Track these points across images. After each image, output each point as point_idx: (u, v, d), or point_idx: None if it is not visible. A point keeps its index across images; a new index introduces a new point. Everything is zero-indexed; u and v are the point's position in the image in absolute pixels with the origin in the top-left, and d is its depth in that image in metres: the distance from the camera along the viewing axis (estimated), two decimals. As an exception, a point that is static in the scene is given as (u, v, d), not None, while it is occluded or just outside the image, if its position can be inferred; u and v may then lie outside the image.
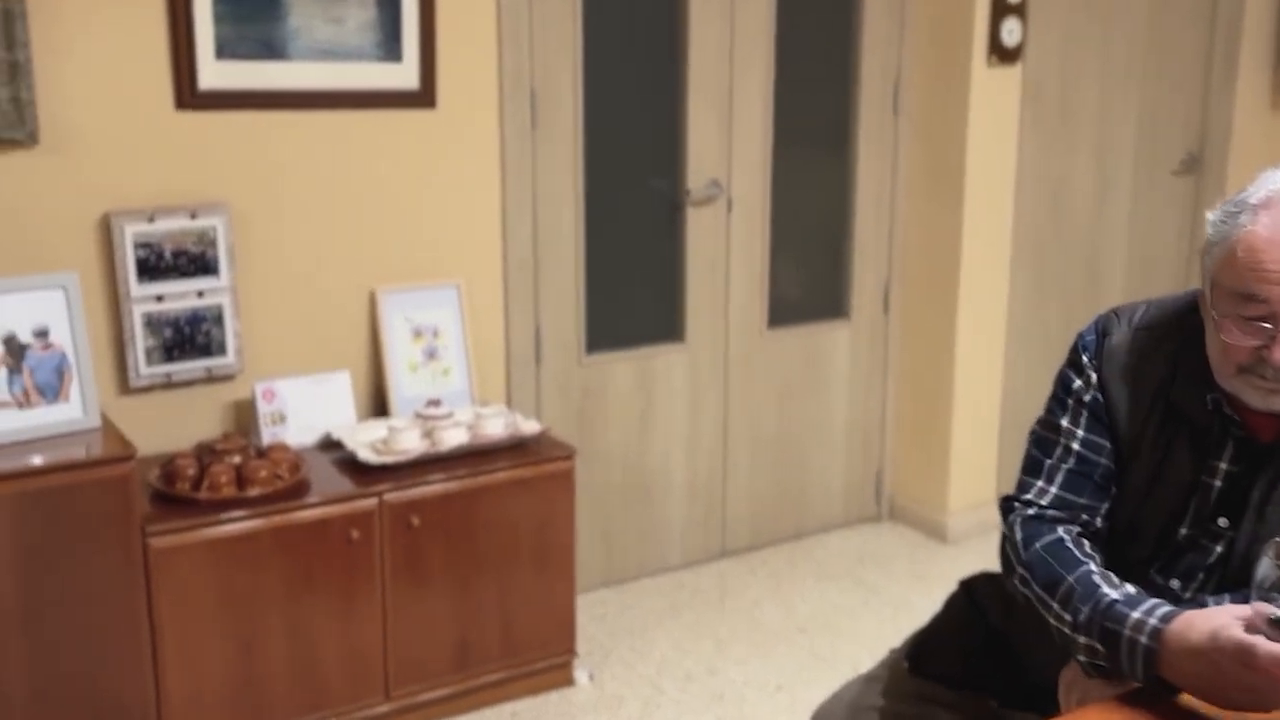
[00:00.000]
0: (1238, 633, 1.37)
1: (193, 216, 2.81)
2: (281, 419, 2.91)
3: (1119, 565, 1.64)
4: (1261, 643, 1.34)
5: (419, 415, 2.94)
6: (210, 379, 2.91)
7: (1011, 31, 3.73)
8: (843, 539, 4.02)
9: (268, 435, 2.88)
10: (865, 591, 3.63)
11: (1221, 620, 1.40)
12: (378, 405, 3.15)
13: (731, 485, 3.84)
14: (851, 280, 3.97)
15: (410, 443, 2.82)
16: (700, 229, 3.62)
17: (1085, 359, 1.72)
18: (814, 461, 4.01)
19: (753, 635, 3.35)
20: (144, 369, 2.80)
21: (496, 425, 2.93)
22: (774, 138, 3.70)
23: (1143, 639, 1.46)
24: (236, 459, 2.65)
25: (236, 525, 2.54)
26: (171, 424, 2.89)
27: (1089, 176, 4.12)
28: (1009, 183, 3.90)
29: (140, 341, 2.79)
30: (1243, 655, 1.35)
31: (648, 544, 3.71)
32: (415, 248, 3.14)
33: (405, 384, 3.11)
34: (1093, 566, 1.59)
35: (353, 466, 2.79)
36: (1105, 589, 1.54)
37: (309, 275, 3.01)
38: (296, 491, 2.65)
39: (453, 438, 2.85)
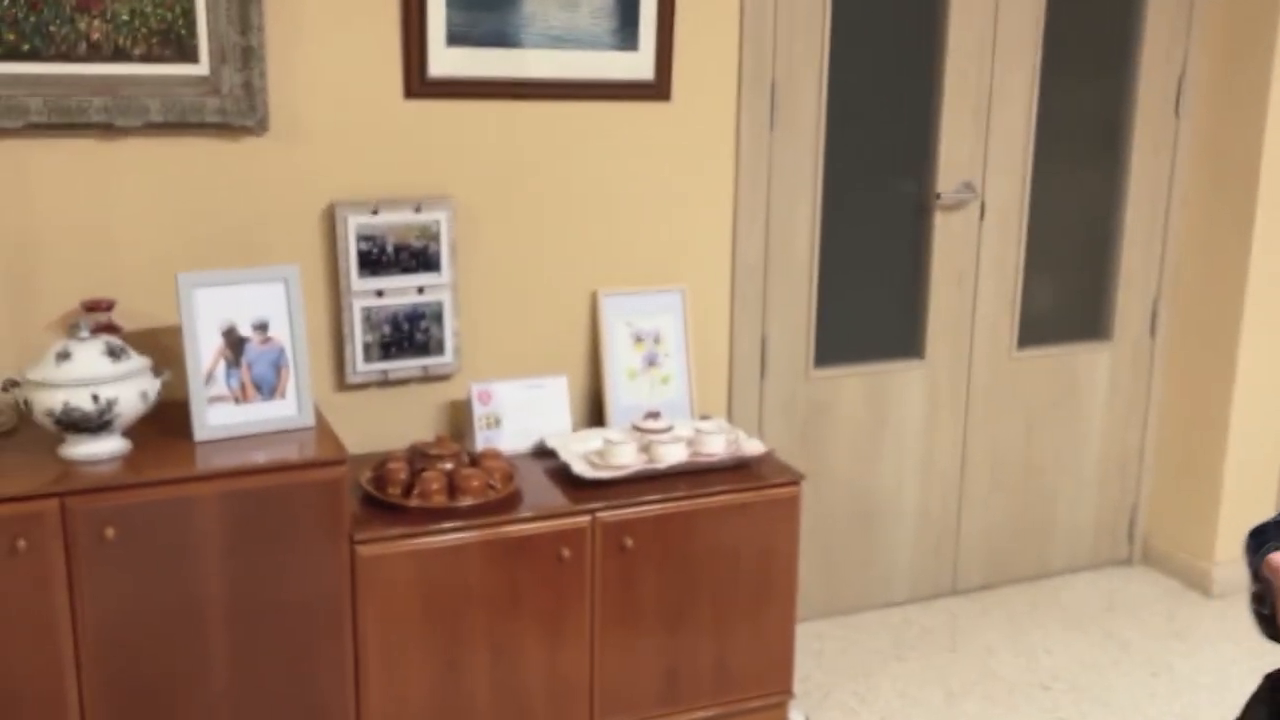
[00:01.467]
0: None
1: (416, 210, 2.71)
2: (496, 422, 2.79)
3: None
4: None
5: (636, 428, 2.77)
6: (426, 378, 2.81)
7: (1323, 21, 3.26)
8: (1089, 583, 3.63)
9: (481, 439, 2.76)
10: (1117, 648, 3.25)
11: None
12: (593, 413, 3.00)
13: (967, 517, 3.52)
14: (1115, 298, 3.58)
15: (627, 457, 2.64)
16: (949, 236, 3.31)
17: None
18: (1060, 495, 3.64)
19: (988, 687, 3.04)
20: (361, 365, 2.72)
21: (718, 443, 2.72)
22: (1036, 138, 3.35)
23: None
24: (449, 465, 2.53)
25: (446, 536, 2.42)
26: (385, 422, 2.81)
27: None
28: (1309, 194, 3.43)
29: (359, 337, 2.71)
30: None
31: (871, 574, 3.44)
32: (640, 248, 2.97)
33: (623, 391, 2.94)
34: None
35: (566, 479, 2.63)
36: None
37: (530, 274, 2.87)
38: (509, 504, 2.51)
39: (672, 454, 2.66)
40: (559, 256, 2.89)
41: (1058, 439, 3.59)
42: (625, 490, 2.59)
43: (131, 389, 2.23)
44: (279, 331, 2.44)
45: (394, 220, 2.69)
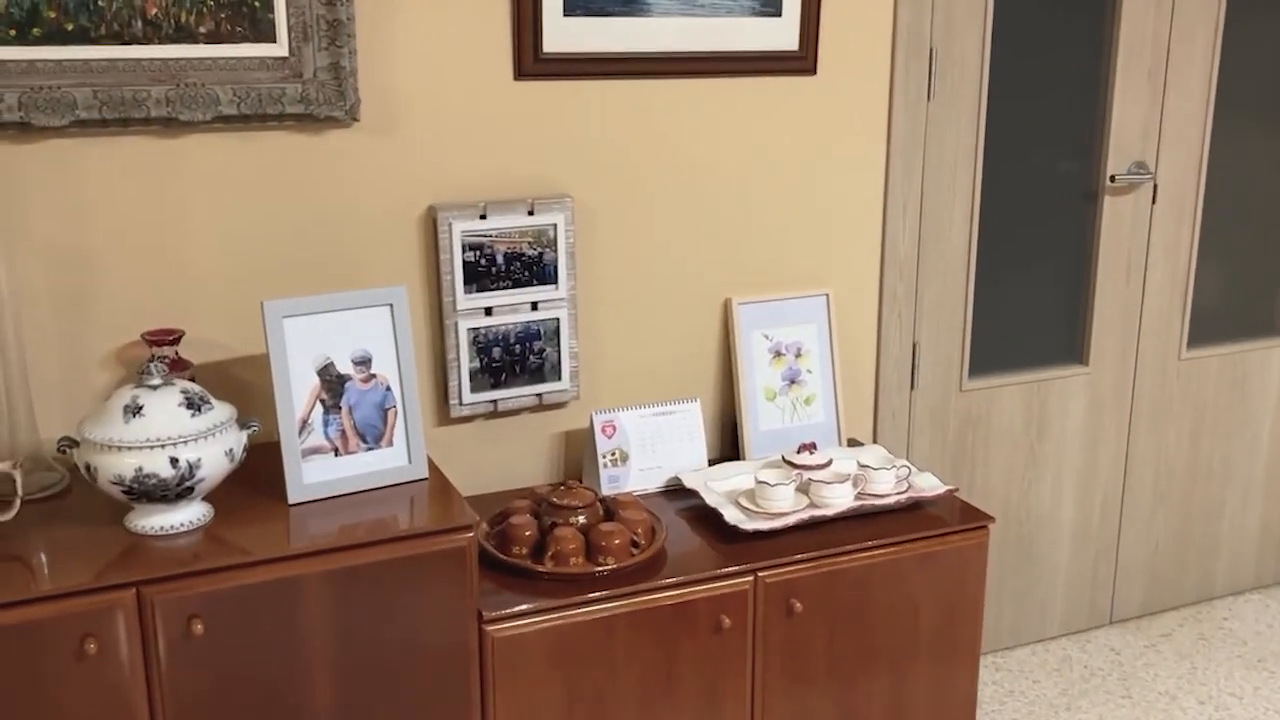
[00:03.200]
0: None
1: (530, 212, 2.30)
2: (623, 458, 2.39)
3: None
4: None
5: (790, 463, 2.37)
6: (541, 407, 2.41)
7: None
8: (1257, 608, 3.25)
9: (606, 479, 2.37)
10: (1312, 689, 2.88)
11: None
12: (726, 441, 2.59)
13: (1127, 535, 3.12)
14: (1293, 288, 3.17)
15: (785, 501, 2.25)
16: (1117, 223, 2.89)
17: None
18: (1226, 509, 3.24)
19: (1178, 744, 2.67)
20: (468, 396, 2.32)
21: (886, 481, 2.32)
22: (1215, 109, 2.92)
23: None
24: (582, 518, 2.13)
25: (589, 609, 2.03)
26: (494, 459, 2.41)
27: None
28: None
29: (465, 362, 2.30)
30: None
31: (1025, 605, 3.05)
32: (779, 248, 2.55)
33: (761, 415, 2.54)
34: None
35: (715, 528, 2.23)
36: None
37: (656, 282, 2.46)
38: (656, 565, 2.12)
39: (838, 498, 2.26)
40: (689, 261, 2.48)
41: (1228, 448, 3.18)
42: (788, 543, 2.19)
43: (216, 448, 1.82)
44: (384, 367, 2.03)
45: (504, 225, 2.28)
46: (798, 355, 2.57)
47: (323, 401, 1.98)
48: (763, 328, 2.54)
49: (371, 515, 1.94)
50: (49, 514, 1.90)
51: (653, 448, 2.41)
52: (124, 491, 1.79)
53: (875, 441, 2.75)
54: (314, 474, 1.97)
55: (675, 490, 2.40)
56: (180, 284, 2.10)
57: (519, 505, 2.19)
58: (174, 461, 1.78)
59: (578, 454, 2.47)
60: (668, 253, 2.46)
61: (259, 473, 2.01)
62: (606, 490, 2.36)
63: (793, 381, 2.57)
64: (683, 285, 2.48)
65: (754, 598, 2.14)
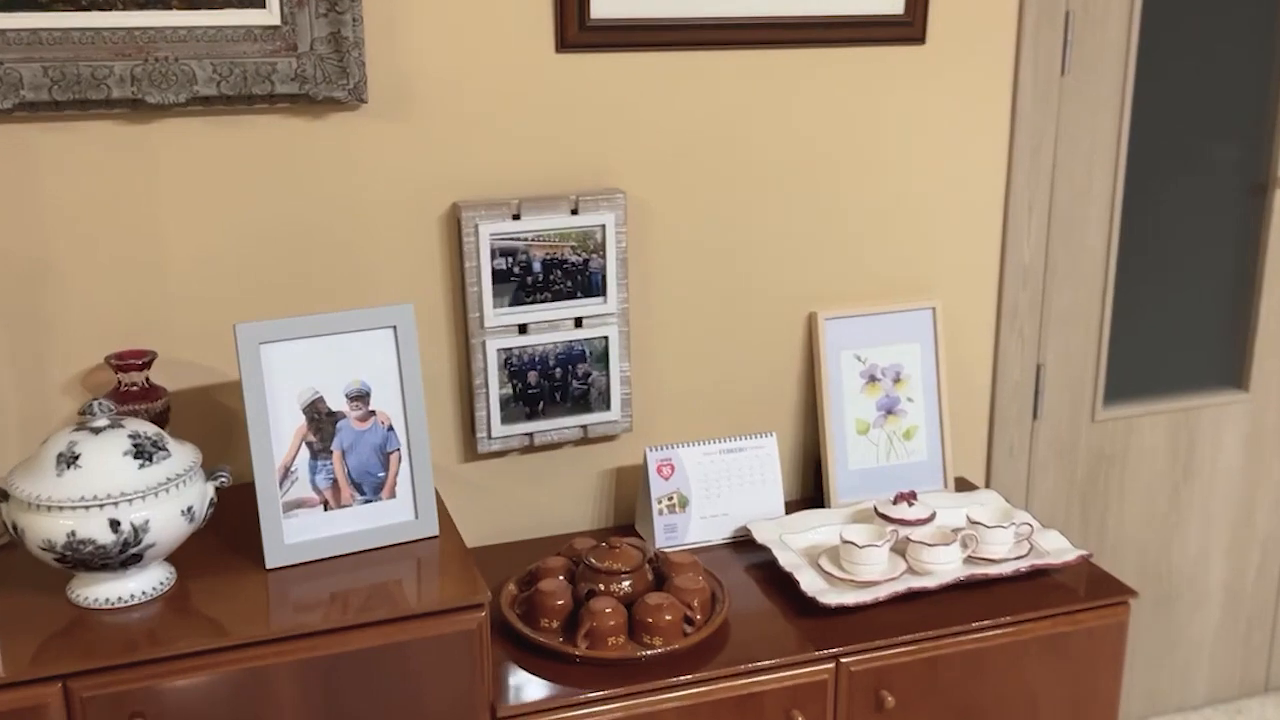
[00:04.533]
0: None
1: (573, 210, 1.92)
2: (682, 504, 2.01)
3: None
4: None
5: (884, 516, 1.96)
6: (586, 440, 2.04)
7: None
8: None
9: (661, 529, 1.99)
10: None
11: None
12: (809, 481, 2.20)
13: (1288, 592, 2.65)
14: None
15: (878, 566, 1.85)
16: (1288, 222, 2.41)
17: None
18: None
19: None
20: (498, 429, 1.96)
21: (1003, 542, 1.90)
22: None
23: None
24: (626, 585, 1.76)
25: (629, 703, 1.66)
26: (531, 500, 2.05)
27: None
28: None
29: (494, 389, 1.94)
30: None
31: (1164, 671, 2.59)
32: (875, 253, 2.14)
33: (851, 452, 2.13)
34: None
35: (789, 594, 1.84)
36: None
37: (727, 294, 2.07)
38: (713, 647, 1.73)
39: (944, 564, 1.85)
40: (764, 266, 2.08)
41: None
42: (879, 619, 1.79)
43: (170, 507, 1.49)
44: (386, 402, 1.68)
45: (542, 226, 1.90)
46: (896, 381, 2.15)
47: (310, 445, 1.64)
48: (855, 348, 2.13)
49: (366, 584, 1.59)
50: (-17, 576, 1.60)
51: (718, 492, 2.03)
52: (56, 559, 1.47)
53: (989, 483, 2.32)
54: (298, 532, 1.63)
55: (744, 542, 2.02)
56: (152, 297, 1.77)
57: (551, 565, 1.83)
58: (114, 525, 1.45)
59: (629, 495, 2.09)
60: (739, 258, 2.06)
61: (240, 520, 1.68)
62: (662, 542, 1.99)
63: (889, 412, 2.16)
64: (757, 297, 2.08)
65: (835, 689, 1.74)
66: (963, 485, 2.21)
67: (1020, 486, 2.34)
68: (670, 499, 2.00)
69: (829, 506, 2.11)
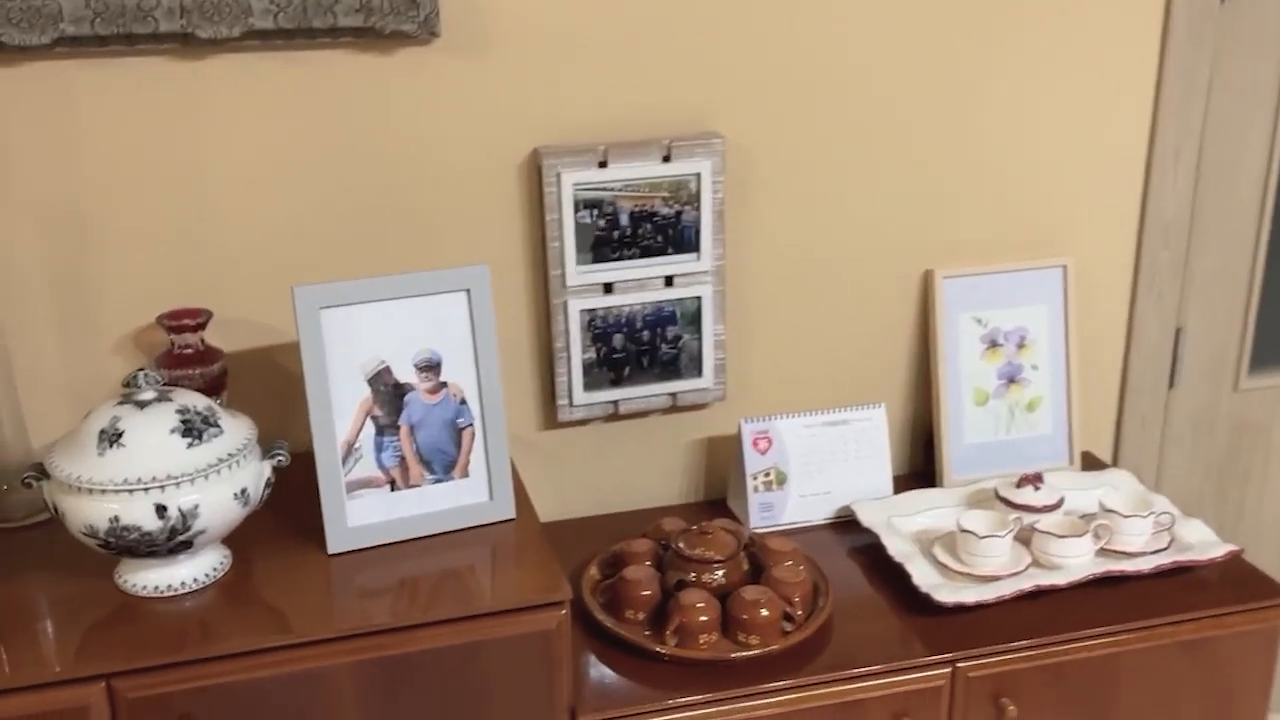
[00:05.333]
0: None
1: (666, 157, 1.73)
2: (780, 481, 1.83)
3: None
4: None
5: (1006, 501, 1.77)
6: (675, 409, 1.87)
7: None
8: None
9: (757, 506, 1.82)
10: None
11: None
12: (918, 455, 2.01)
13: None
14: None
15: (998, 560, 1.66)
16: None
17: None
18: None
19: None
20: (580, 396, 1.80)
21: (1139, 533, 1.70)
22: None
23: None
24: (719, 576, 1.60)
25: (721, 709, 1.51)
26: (614, 473, 1.89)
27: None
28: None
29: (577, 354, 1.78)
30: None
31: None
32: (997, 204, 1.91)
33: (967, 425, 1.94)
34: None
35: (898, 586, 1.66)
36: None
37: (833, 250, 1.86)
38: (815, 648, 1.57)
39: (1074, 556, 1.66)
40: (876, 218, 1.87)
41: None
42: (1000, 619, 1.61)
43: (222, 490, 1.35)
44: (459, 373, 1.52)
45: (631, 175, 1.72)
46: (1020, 346, 1.95)
47: (375, 419, 1.49)
48: (974, 309, 1.93)
49: (435, 573, 1.45)
50: (30, 552, 1.48)
51: (819, 468, 1.85)
52: (99, 545, 1.34)
53: (1116, 458, 2.10)
54: (362, 514, 1.49)
55: (846, 523, 1.84)
56: (204, 250, 1.62)
57: (637, 550, 1.67)
58: (161, 510, 1.32)
59: (720, 468, 1.93)
60: (848, 210, 1.85)
61: (303, 492, 1.54)
62: (756, 522, 1.82)
63: (1011, 380, 1.95)
64: (867, 253, 1.88)
65: (951, 696, 1.57)
66: (1089, 462, 2.00)
67: (1151, 462, 2.13)
68: (767, 475, 1.83)
69: (940, 485, 1.92)
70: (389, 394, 1.49)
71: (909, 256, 1.91)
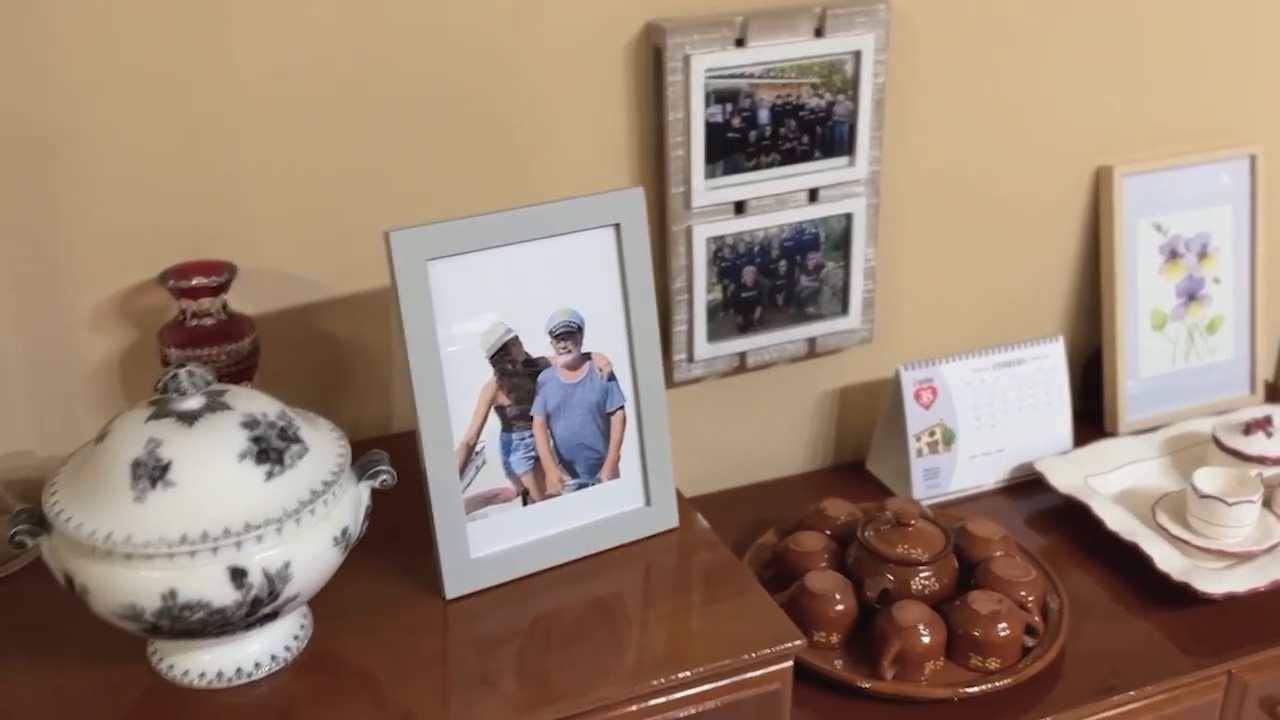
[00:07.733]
0: None
1: (818, 30, 1.32)
2: (947, 440, 1.48)
3: None
4: None
5: (1230, 450, 1.45)
6: (812, 354, 1.49)
7: None
8: None
9: (921, 473, 1.47)
10: None
11: None
12: (1074, 391, 1.67)
13: None
14: None
15: (1246, 529, 1.35)
16: None
17: None
18: None
19: None
20: (702, 348, 1.40)
21: (1395, 482, 1.41)
22: None
23: None
24: (930, 581, 1.25)
25: (965, 759, 1.17)
26: (733, 437, 1.50)
27: None
28: None
29: (700, 296, 1.38)
30: None
31: None
32: (1178, 85, 1.56)
33: (1143, 355, 1.61)
34: None
35: (1126, 572, 1.33)
36: None
37: (992, 149, 1.48)
38: (1061, 666, 1.24)
39: (1339, 523, 1.36)
40: (1045, 107, 1.49)
41: None
42: (1256, 607, 1.30)
43: (319, 535, 0.92)
44: (605, 340, 1.11)
45: (776, 56, 1.30)
46: (1201, 256, 1.62)
47: (502, 410, 1.07)
48: (1155, 214, 1.58)
49: (597, 616, 1.05)
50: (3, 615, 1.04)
51: (991, 420, 1.50)
52: (145, 630, 0.91)
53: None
54: (488, 540, 1.07)
55: (1020, 485, 1.51)
56: (219, 179, 1.16)
57: (808, 546, 1.30)
58: (238, 576, 0.89)
59: (854, 425, 1.55)
60: (1017, 96, 1.47)
61: (388, 507, 1.11)
62: (921, 492, 1.46)
63: (1191, 298, 1.62)
64: (1034, 149, 1.51)
65: (1222, 708, 1.26)
66: (1273, 394, 1.70)
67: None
68: (932, 434, 1.47)
69: (1110, 429, 1.60)
70: (518, 372, 1.07)
71: (1078, 149, 1.54)
